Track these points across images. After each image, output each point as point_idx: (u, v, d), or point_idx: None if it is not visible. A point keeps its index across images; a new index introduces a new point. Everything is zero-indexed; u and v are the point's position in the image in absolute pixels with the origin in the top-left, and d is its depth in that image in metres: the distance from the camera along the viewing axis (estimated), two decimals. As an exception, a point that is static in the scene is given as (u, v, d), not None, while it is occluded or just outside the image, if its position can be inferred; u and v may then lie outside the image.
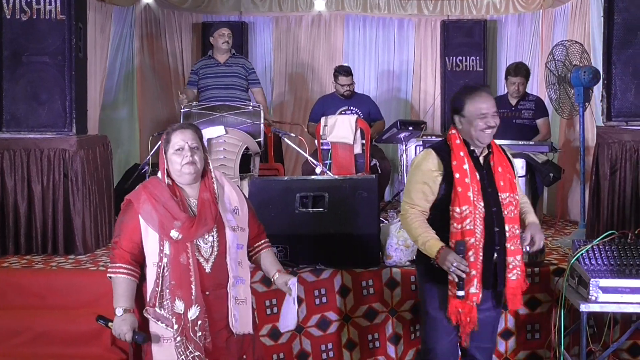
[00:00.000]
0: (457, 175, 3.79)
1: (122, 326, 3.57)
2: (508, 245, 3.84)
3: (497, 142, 6.82)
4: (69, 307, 5.16)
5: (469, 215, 3.76)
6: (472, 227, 3.76)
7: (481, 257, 3.79)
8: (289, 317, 3.90)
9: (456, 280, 3.72)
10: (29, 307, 5.20)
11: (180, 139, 3.67)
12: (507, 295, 3.90)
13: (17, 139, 6.00)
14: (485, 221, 3.80)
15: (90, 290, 5.17)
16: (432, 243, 3.78)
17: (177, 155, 3.66)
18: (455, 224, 3.79)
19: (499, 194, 3.84)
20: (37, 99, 6.02)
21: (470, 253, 3.77)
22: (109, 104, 8.46)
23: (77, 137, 6.00)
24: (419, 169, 3.89)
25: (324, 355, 5.05)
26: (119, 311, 3.59)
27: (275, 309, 4.90)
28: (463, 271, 3.68)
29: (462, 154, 3.83)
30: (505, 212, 3.83)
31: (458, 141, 3.88)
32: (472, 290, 3.79)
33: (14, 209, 5.96)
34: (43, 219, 5.97)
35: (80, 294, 5.20)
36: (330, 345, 5.05)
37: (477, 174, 3.82)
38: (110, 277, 3.66)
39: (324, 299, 5.05)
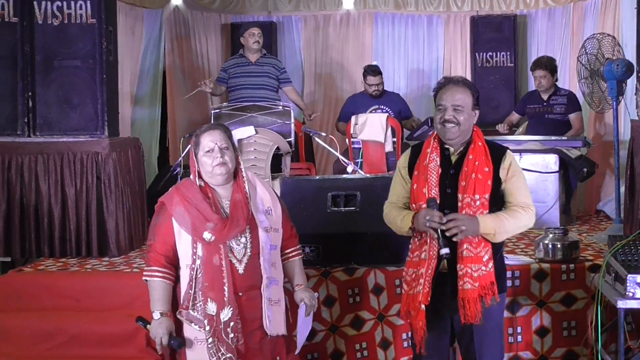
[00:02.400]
0: (415, 172, 3.75)
1: (159, 329, 3.60)
2: (458, 251, 3.63)
3: (529, 138, 6.78)
4: (103, 309, 5.18)
5: None
6: None
7: (435, 257, 3.64)
8: (303, 331, 3.93)
9: (435, 236, 3.58)
10: (64, 309, 5.23)
11: (209, 141, 3.68)
12: (459, 306, 3.64)
13: (50, 142, 6.04)
14: None
15: (125, 292, 5.20)
16: (407, 215, 3.72)
17: (208, 157, 3.66)
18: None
19: (458, 195, 3.66)
20: (69, 103, 6.06)
21: (424, 249, 3.67)
22: (140, 106, 8.50)
23: (109, 140, 6.03)
24: (397, 164, 3.94)
25: (358, 355, 5.03)
26: (156, 315, 3.62)
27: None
28: (439, 222, 3.54)
29: (429, 151, 3.74)
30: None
31: (433, 139, 3.80)
32: (418, 288, 3.66)
33: (49, 213, 6.00)
34: (77, 221, 6.01)
35: (114, 296, 5.22)
36: (364, 345, 5.03)
37: (439, 173, 3.70)
38: (145, 280, 3.68)
39: (358, 298, 5.03)
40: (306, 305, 3.88)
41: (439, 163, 3.72)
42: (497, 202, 3.73)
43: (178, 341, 3.62)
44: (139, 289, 4.91)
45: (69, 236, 6.02)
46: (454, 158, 3.75)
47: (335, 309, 5.02)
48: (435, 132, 3.82)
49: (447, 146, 3.77)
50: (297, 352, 3.95)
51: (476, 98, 3.78)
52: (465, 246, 3.63)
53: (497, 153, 3.75)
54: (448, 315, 3.77)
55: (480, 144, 3.73)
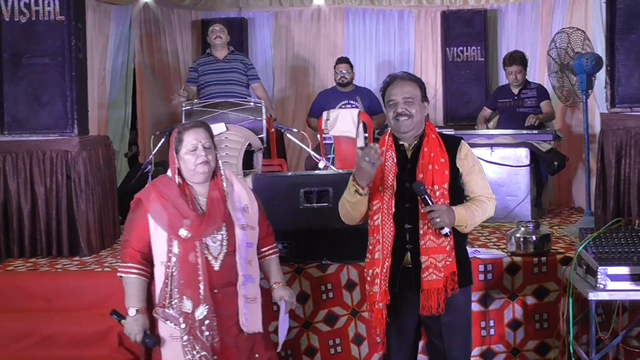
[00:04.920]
0: None
1: (134, 327, 3.58)
2: (421, 243, 3.65)
3: (500, 132, 6.79)
4: (75, 309, 5.14)
5: (378, 211, 3.71)
6: (379, 223, 3.70)
7: (389, 255, 3.67)
8: (283, 328, 3.92)
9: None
10: (35, 310, 5.17)
11: (193, 139, 3.66)
12: (421, 298, 3.65)
13: (19, 141, 5.97)
14: (395, 218, 3.68)
15: (96, 291, 5.16)
16: (350, 182, 3.69)
17: (191, 155, 3.65)
18: (369, 220, 3.77)
19: None
20: (38, 101, 5.99)
21: (377, 249, 3.69)
22: (110, 104, 8.44)
23: (79, 138, 5.97)
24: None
25: (332, 351, 5.03)
26: (131, 311, 3.60)
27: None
28: (375, 152, 3.49)
29: (384, 149, 3.73)
30: (420, 208, 3.65)
31: (387, 137, 3.81)
32: (375, 289, 3.70)
33: (18, 212, 5.94)
34: (47, 221, 5.95)
35: (86, 295, 5.18)
36: (338, 340, 5.04)
37: (395, 169, 3.71)
38: (121, 276, 3.65)
39: (331, 294, 5.03)
40: (286, 303, 3.88)
41: (395, 160, 3.73)
42: (458, 193, 3.76)
43: (153, 340, 3.59)
44: (111, 288, 4.90)
45: (39, 236, 5.96)
46: (409, 153, 3.78)
47: (308, 305, 5.01)
48: (389, 130, 3.84)
49: (401, 142, 3.79)
50: (279, 349, 3.95)
51: (424, 90, 3.81)
52: (428, 237, 3.64)
53: (452, 144, 3.77)
54: (414, 312, 3.77)
55: (433, 136, 3.76)
